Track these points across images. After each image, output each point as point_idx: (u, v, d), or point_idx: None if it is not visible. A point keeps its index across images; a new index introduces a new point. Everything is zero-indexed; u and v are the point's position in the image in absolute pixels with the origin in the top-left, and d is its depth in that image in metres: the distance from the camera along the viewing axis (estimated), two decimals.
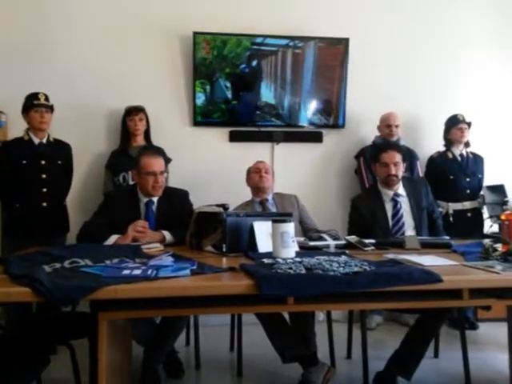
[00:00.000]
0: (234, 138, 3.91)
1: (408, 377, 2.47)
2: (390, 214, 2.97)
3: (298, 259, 1.92)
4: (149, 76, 3.78)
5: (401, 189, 3.02)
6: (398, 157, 2.96)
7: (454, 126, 3.71)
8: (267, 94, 3.88)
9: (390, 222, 2.95)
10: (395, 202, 2.98)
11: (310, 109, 3.95)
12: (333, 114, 3.97)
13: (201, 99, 3.81)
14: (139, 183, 2.76)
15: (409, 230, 2.92)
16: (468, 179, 3.70)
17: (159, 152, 3.05)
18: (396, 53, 4.05)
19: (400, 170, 2.96)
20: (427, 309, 2.37)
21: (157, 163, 2.75)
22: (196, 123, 3.84)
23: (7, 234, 3.24)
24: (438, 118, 3.86)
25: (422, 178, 3.15)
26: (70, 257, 1.94)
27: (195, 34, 3.74)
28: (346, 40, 3.90)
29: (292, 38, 3.86)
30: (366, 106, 3.95)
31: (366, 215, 2.95)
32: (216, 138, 3.89)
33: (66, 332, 2.22)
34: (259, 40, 3.83)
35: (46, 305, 1.60)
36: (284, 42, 3.85)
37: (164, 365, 2.74)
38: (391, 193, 2.99)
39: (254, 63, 3.85)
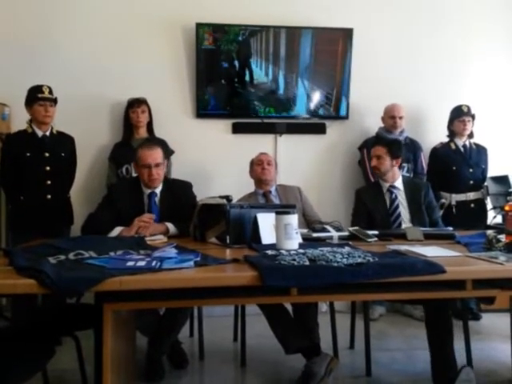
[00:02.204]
0: (237, 129, 3.90)
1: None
2: (388, 204, 3.04)
3: (301, 251, 1.92)
4: (151, 68, 3.78)
5: (399, 183, 3.07)
6: (380, 150, 3.04)
7: (457, 117, 3.69)
8: (272, 83, 3.87)
9: (389, 212, 3.01)
10: (391, 193, 3.05)
11: (314, 100, 3.94)
12: (336, 105, 3.95)
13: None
14: (139, 175, 2.78)
15: (405, 223, 2.96)
16: (471, 170, 3.69)
17: (158, 143, 3.04)
18: (400, 44, 4.02)
19: (383, 164, 3.01)
20: (429, 307, 2.38)
21: (151, 155, 2.71)
22: (199, 115, 3.83)
23: (12, 227, 3.26)
24: (441, 109, 3.84)
25: (425, 182, 3.21)
26: (75, 249, 1.95)
27: (198, 25, 3.73)
28: (350, 30, 3.88)
29: (295, 28, 3.84)
30: (369, 97, 3.93)
31: (368, 205, 3.05)
32: (219, 129, 3.89)
33: (71, 323, 2.23)
34: (263, 30, 3.81)
35: (51, 297, 1.61)
36: (288, 31, 3.83)
37: (168, 355, 2.76)
38: (387, 184, 3.07)
39: (260, 53, 3.84)
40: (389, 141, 3.30)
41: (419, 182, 3.29)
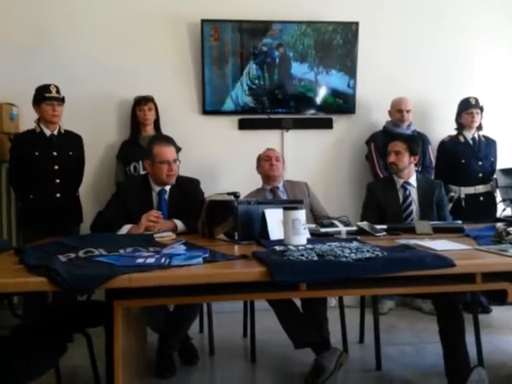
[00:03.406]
0: (244, 125, 3.90)
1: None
2: (401, 200, 3.03)
3: (309, 246, 1.93)
4: (157, 65, 3.78)
5: (413, 179, 3.07)
6: (399, 146, 3.02)
7: (465, 110, 3.66)
8: (277, 78, 3.86)
9: (401, 208, 3.00)
10: (404, 189, 3.04)
11: (320, 95, 3.93)
12: (343, 100, 3.94)
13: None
14: (153, 172, 2.76)
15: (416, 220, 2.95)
16: (480, 163, 3.66)
17: (170, 140, 3.05)
18: (406, 37, 3.99)
19: (401, 160, 3.00)
20: (438, 302, 2.38)
21: (170, 151, 2.76)
22: (205, 112, 3.84)
23: (22, 225, 3.30)
24: (449, 102, 3.81)
25: (439, 181, 3.19)
26: (85, 246, 1.97)
27: (203, 21, 3.72)
28: (356, 24, 3.86)
29: (302, 23, 3.83)
30: (376, 91, 3.91)
31: (381, 199, 3.04)
32: (225, 126, 3.89)
33: (82, 320, 2.25)
34: (269, 25, 3.80)
35: (62, 294, 1.62)
36: (293, 26, 3.82)
37: (178, 351, 2.77)
38: (401, 180, 3.05)
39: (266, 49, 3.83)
40: (408, 137, 3.28)
41: (433, 181, 3.25)
